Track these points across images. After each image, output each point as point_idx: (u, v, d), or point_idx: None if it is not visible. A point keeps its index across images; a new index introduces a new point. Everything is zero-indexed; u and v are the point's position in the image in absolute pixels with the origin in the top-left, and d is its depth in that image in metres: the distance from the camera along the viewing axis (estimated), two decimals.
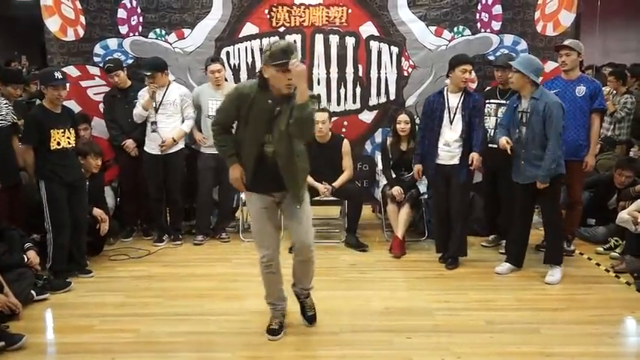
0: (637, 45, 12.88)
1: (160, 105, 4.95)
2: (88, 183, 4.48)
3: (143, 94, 4.97)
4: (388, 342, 3.26)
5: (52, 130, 4.05)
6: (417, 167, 4.66)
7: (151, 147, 5.02)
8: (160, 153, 4.98)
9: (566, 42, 4.62)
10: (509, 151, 4.16)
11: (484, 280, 4.25)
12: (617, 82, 6.46)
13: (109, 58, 5.18)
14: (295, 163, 3.08)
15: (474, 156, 4.33)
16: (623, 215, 4.52)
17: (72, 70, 5.22)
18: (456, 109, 4.39)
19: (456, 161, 4.41)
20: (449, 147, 4.41)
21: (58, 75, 4.06)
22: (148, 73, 4.87)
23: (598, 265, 4.61)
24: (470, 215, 5.25)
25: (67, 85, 4.28)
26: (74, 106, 4.97)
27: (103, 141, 5.15)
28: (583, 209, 5.03)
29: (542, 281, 4.17)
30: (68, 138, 4.13)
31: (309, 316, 3.45)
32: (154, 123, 4.98)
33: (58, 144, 4.08)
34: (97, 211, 4.53)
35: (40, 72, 4.72)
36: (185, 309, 3.75)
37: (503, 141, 4.18)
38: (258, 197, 3.19)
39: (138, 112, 4.94)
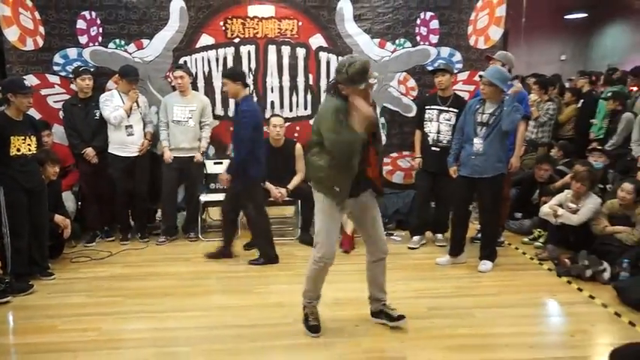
0: (558, 57, 13.51)
1: (131, 110, 4.92)
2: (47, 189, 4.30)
3: (109, 99, 4.89)
4: (339, 330, 3.28)
5: (12, 137, 3.88)
6: None
7: (122, 150, 4.94)
8: (132, 155, 4.94)
9: (497, 55, 4.71)
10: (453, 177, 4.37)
11: (426, 270, 4.36)
12: (540, 91, 6.73)
13: (79, 64, 5.07)
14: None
15: (222, 177, 4.43)
16: (545, 209, 4.72)
17: (31, 79, 5.04)
18: None
19: None
20: None
21: (28, 83, 3.92)
22: (136, 79, 4.90)
23: (524, 253, 4.80)
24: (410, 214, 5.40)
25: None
26: (34, 114, 4.78)
27: (64, 147, 5.00)
28: (511, 204, 5.23)
29: (477, 270, 4.31)
30: (29, 145, 3.97)
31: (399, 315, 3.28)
32: (130, 127, 4.91)
33: (18, 150, 3.91)
34: (59, 218, 4.39)
35: (6, 80, 4.50)
36: (147, 307, 3.67)
37: (452, 172, 4.37)
38: (349, 201, 3.02)
39: (120, 114, 4.84)
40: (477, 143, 4.17)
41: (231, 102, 5.37)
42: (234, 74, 4.35)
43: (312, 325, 3.21)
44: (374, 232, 3.17)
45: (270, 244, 4.57)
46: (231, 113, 5.41)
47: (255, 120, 4.32)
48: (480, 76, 4.24)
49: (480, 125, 4.18)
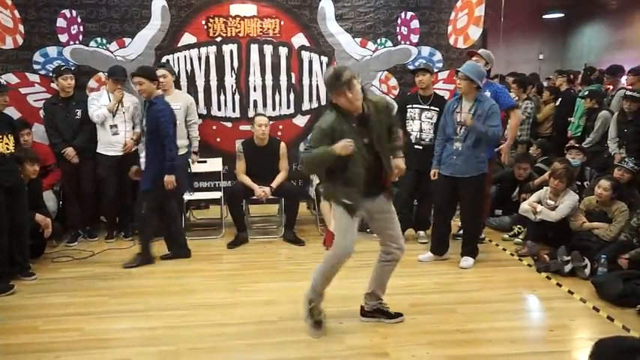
0: (536, 56, 13.70)
1: (116, 110, 4.85)
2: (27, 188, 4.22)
3: (96, 98, 4.85)
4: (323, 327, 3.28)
5: None
6: None
7: (110, 149, 4.89)
8: (119, 154, 4.90)
9: (480, 51, 4.77)
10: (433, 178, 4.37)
11: (407, 267, 4.35)
12: (519, 90, 6.81)
13: (59, 63, 4.98)
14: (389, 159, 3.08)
15: (168, 180, 4.32)
16: (525, 206, 4.78)
17: (11, 78, 4.95)
18: None
19: None
20: None
21: (3, 81, 3.82)
22: (123, 79, 4.83)
23: (504, 250, 4.84)
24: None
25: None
26: (14, 113, 4.72)
27: (44, 146, 4.91)
28: (491, 201, 5.28)
29: (458, 266, 4.34)
30: (7, 144, 3.88)
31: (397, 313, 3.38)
32: (114, 126, 4.87)
33: None
34: (40, 217, 4.30)
35: None
36: (129, 306, 3.62)
37: (432, 174, 4.38)
38: (367, 203, 3.06)
39: (102, 112, 4.80)
40: (457, 143, 4.20)
41: (214, 100, 5.35)
42: (150, 73, 4.32)
43: (318, 321, 3.18)
44: (392, 228, 3.17)
45: (148, 246, 4.52)
46: (214, 112, 5.37)
47: (173, 117, 4.39)
48: (457, 72, 4.28)
49: (459, 125, 4.21)
